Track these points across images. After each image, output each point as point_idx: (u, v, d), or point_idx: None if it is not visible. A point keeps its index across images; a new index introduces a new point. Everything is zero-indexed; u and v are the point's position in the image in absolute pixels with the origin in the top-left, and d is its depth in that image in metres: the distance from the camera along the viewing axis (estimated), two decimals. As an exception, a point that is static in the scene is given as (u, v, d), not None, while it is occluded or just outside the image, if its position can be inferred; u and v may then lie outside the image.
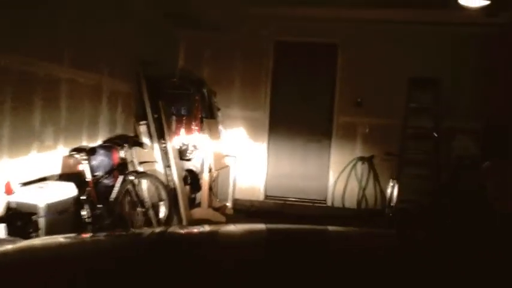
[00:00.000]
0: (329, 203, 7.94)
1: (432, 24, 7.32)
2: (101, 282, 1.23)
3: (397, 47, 7.63)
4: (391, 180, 7.43)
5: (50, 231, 3.76)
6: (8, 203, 3.68)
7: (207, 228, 1.89)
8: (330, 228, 2.05)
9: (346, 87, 7.84)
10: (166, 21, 7.13)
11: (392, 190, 7.39)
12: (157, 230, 1.94)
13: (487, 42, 7.34)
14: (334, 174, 7.94)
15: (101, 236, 1.99)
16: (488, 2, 5.00)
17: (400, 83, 7.49)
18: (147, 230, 2.04)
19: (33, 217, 3.68)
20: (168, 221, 6.05)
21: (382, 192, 7.73)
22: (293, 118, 8.02)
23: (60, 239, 1.82)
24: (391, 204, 7.40)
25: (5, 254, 1.50)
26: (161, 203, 6.00)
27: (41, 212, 3.69)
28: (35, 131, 4.38)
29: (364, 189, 7.84)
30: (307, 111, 7.98)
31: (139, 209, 5.67)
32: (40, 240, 1.89)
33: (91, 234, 1.97)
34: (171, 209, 6.07)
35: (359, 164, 7.84)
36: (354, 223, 6.72)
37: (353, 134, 7.84)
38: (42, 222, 3.69)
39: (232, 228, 2.02)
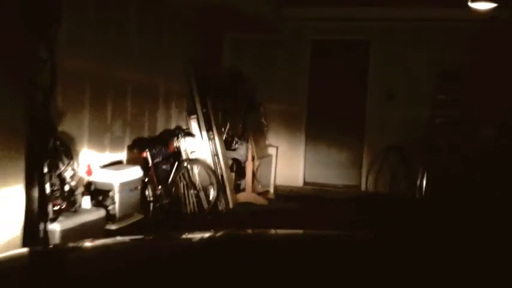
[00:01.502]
0: (363, 188, 8.60)
1: (458, 21, 7.81)
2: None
3: (425, 42, 8.18)
4: (421, 167, 8.02)
5: (122, 205, 4.65)
6: (90, 182, 4.59)
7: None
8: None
9: (378, 81, 8.46)
10: (212, 24, 7.91)
11: (422, 176, 7.99)
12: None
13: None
14: (368, 161, 8.58)
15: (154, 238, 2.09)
16: (496, 4, 5.50)
17: (428, 76, 8.06)
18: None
19: (110, 193, 4.58)
20: (216, 202, 6.91)
21: (413, 178, 8.31)
22: (328, 111, 8.70)
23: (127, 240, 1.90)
24: (422, 190, 8.00)
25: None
26: (210, 186, 6.86)
27: (116, 189, 4.59)
28: (108, 125, 5.30)
29: (396, 175, 8.45)
30: (341, 104, 8.64)
31: (192, 191, 6.56)
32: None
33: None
34: (219, 191, 6.93)
35: (390, 152, 8.45)
36: (384, 206, 7.40)
37: (385, 124, 8.44)
38: (116, 197, 4.59)
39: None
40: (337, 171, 8.76)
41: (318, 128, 8.77)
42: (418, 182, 8.06)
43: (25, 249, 2.08)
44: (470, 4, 5.60)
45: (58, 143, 4.02)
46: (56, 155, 3.96)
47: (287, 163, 8.77)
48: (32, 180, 3.41)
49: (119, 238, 2.01)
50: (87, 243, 1.91)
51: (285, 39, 8.69)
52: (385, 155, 8.46)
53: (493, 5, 5.57)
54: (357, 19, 8.17)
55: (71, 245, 1.98)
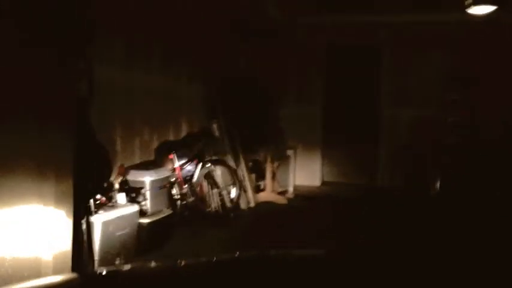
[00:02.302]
0: (378, 187, 8.95)
1: (466, 23, 8.15)
2: None
3: (435, 46, 8.52)
4: (434, 166, 8.35)
5: (153, 201, 5.12)
6: (124, 180, 5.07)
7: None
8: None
9: (390, 83, 8.82)
10: (232, 31, 8.37)
11: (435, 174, 8.32)
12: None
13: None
14: (382, 160, 8.93)
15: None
16: (495, 7, 5.82)
17: (438, 78, 8.41)
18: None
19: (142, 190, 5.06)
20: (238, 201, 7.35)
21: (426, 177, 8.62)
22: (344, 112, 9.09)
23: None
24: (435, 187, 8.33)
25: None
26: (232, 186, 7.30)
27: (147, 187, 5.07)
28: (137, 129, 5.79)
29: (410, 173, 8.78)
30: (356, 106, 9.03)
31: (215, 190, 7.01)
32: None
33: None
34: (241, 191, 7.36)
35: (404, 151, 8.79)
36: (399, 204, 7.73)
37: (397, 124, 8.80)
38: (148, 194, 5.07)
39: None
40: (353, 171, 9.13)
41: (334, 129, 9.17)
42: (431, 181, 8.39)
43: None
44: (468, 11, 5.93)
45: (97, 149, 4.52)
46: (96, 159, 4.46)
47: (305, 163, 9.17)
48: (77, 180, 3.87)
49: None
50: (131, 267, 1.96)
51: (303, 45, 9.11)
52: (399, 154, 8.80)
53: (491, 9, 5.88)
54: (369, 25, 8.57)
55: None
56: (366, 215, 7.22)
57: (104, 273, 1.87)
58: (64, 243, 3.67)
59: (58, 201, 3.60)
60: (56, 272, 3.59)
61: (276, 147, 8.51)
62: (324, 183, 9.34)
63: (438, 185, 8.30)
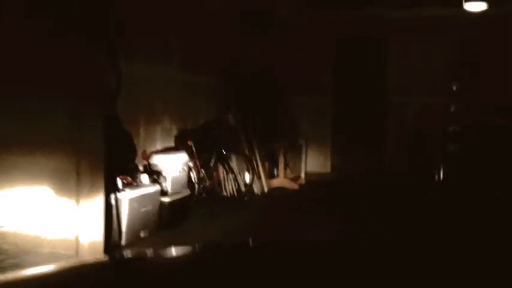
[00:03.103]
0: (385, 172, 9.39)
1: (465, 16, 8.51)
2: None
3: (441, 36, 8.91)
4: (439, 152, 8.77)
5: (173, 182, 5.68)
6: (147, 164, 5.64)
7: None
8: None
9: (396, 73, 9.25)
10: (246, 27, 8.83)
11: (440, 160, 8.74)
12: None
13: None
14: (390, 146, 9.38)
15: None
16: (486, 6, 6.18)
17: (442, 67, 8.80)
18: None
19: (163, 172, 5.62)
20: (251, 185, 7.87)
21: (431, 159, 9.01)
22: (353, 102, 9.54)
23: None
24: (440, 173, 8.76)
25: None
26: (246, 172, 7.83)
27: (167, 169, 5.63)
28: (158, 119, 6.36)
29: (416, 159, 9.20)
30: (365, 96, 9.47)
31: (230, 176, 7.55)
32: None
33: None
34: (254, 176, 7.89)
35: (411, 138, 9.21)
36: (405, 188, 8.15)
37: (404, 112, 9.22)
38: (168, 176, 5.63)
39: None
40: (362, 156, 9.58)
41: (343, 118, 9.62)
42: (436, 167, 8.80)
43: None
44: (465, 6, 6.32)
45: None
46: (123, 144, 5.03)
47: (316, 151, 9.66)
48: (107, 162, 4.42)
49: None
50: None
51: (312, 38, 9.54)
52: (406, 141, 9.22)
53: (483, 6, 6.26)
54: (376, 18, 8.99)
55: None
56: (371, 200, 7.61)
57: (131, 256, 2.09)
58: (97, 218, 4.22)
59: (92, 180, 4.16)
60: (90, 244, 4.12)
61: (288, 139, 9.02)
62: (333, 169, 9.81)
63: (442, 171, 8.71)
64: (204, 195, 6.78)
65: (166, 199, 5.50)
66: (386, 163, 9.41)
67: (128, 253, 2.99)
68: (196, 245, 2.39)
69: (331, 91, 9.64)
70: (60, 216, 4.13)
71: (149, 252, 2.36)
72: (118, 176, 4.86)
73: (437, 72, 8.95)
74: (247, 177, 7.84)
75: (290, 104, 9.43)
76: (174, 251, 2.02)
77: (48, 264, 1.98)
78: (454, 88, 8.75)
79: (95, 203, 4.22)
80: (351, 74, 9.55)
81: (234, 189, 7.59)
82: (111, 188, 4.68)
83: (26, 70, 3.71)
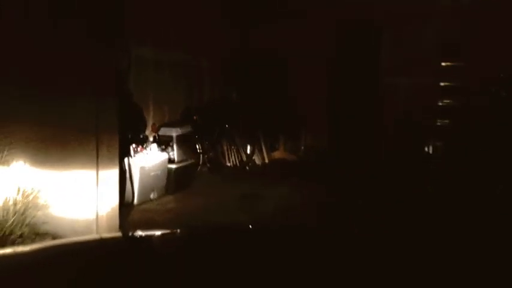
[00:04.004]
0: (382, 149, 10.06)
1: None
2: None
3: (430, 17, 9.46)
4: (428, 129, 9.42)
5: (179, 151, 6.47)
6: (156, 135, 6.44)
7: None
8: None
9: (389, 55, 9.86)
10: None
11: (430, 137, 9.41)
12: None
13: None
14: (384, 124, 10.05)
15: None
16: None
17: (433, 47, 9.39)
18: None
19: (170, 143, 6.41)
20: (252, 156, 8.63)
21: (422, 139, 9.63)
22: (347, 85, 10.15)
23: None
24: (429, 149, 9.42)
25: None
26: (248, 144, 8.59)
27: (174, 140, 6.42)
28: (167, 96, 7.14)
29: (408, 136, 9.85)
30: (357, 78, 10.07)
31: (233, 147, 8.33)
32: None
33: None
34: (255, 148, 8.64)
35: (402, 115, 9.86)
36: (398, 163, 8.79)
37: (397, 91, 9.83)
38: (175, 145, 6.42)
39: None
40: (357, 137, 10.23)
41: (338, 99, 10.22)
42: (427, 145, 9.45)
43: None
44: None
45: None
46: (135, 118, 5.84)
47: (315, 128, 10.30)
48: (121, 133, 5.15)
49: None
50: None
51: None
52: (399, 119, 9.84)
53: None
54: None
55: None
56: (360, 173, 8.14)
57: (143, 235, 2.16)
58: (113, 184, 4.90)
59: (108, 154, 4.83)
60: (108, 207, 4.78)
61: (288, 115, 9.70)
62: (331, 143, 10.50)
63: (432, 149, 9.36)
64: (208, 164, 7.57)
65: (173, 166, 6.31)
66: (382, 142, 9.93)
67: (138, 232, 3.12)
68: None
69: (326, 75, 10.16)
70: (84, 184, 4.78)
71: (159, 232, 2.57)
72: (131, 145, 5.66)
73: (429, 51, 9.49)
74: (249, 148, 8.59)
75: (292, 82, 10.04)
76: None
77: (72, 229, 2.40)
78: (444, 66, 9.31)
79: (111, 172, 4.87)
80: (347, 56, 10.12)
81: (237, 160, 8.36)
82: (125, 156, 5.49)
83: (55, 67, 4.37)
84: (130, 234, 2.87)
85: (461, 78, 9.33)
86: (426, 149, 9.45)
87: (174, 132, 6.48)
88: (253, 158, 8.71)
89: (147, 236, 2.20)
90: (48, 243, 3.89)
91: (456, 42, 9.21)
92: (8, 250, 2.54)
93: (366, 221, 4.96)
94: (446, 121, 9.46)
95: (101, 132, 4.63)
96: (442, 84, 9.44)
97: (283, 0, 9.39)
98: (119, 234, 4.42)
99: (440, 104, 9.56)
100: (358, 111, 10.22)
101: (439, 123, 9.54)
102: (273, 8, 9.36)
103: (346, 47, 10.11)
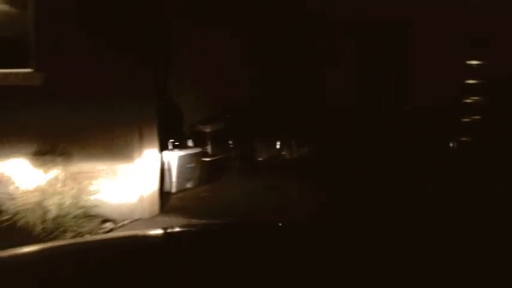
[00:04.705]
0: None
1: None
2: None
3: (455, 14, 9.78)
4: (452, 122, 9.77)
5: (212, 146, 7.13)
6: (192, 130, 7.12)
7: None
8: None
9: (417, 51, 10.23)
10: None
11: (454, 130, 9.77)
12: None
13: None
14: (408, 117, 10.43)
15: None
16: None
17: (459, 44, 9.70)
18: None
19: (205, 138, 7.08)
20: (282, 152, 9.21)
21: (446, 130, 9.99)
22: (374, 79, 10.60)
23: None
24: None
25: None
26: (278, 141, 9.17)
27: (208, 135, 7.09)
28: (202, 96, 7.79)
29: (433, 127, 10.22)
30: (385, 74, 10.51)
31: (264, 143, 8.93)
32: None
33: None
34: (284, 144, 9.23)
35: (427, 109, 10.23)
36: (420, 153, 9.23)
37: (423, 87, 10.20)
38: (209, 140, 7.08)
39: None
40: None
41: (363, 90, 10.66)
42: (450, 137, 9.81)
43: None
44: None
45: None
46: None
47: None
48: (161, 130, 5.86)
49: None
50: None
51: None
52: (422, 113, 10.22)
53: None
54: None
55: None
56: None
57: (181, 230, 2.17)
58: (154, 173, 5.63)
59: (150, 147, 5.55)
60: (149, 192, 5.51)
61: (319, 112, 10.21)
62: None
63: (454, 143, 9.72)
64: (239, 158, 8.20)
65: (207, 159, 6.97)
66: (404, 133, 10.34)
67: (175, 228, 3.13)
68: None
69: (354, 70, 10.63)
70: (129, 173, 5.51)
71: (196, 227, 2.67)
72: (170, 140, 6.36)
73: (455, 48, 9.78)
74: (278, 144, 9.18)
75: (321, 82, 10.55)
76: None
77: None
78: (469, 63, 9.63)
79: (152, 163, 5.60)
80: (374, 54, 10.56)
81: (267, 155, 8.96)
82: (165, 150, 6.18)
83: (112, 79, 5.21)
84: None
85: (488, 76, 9.64)
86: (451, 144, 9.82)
87: (208, 129, 7.14)
88: (283, 153, 9.30)
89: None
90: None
91: (484, 39, 9.48)
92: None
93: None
94: (472, 118, 9.80)
95: (143, 129, 5.39)
96: (469, 82, 9.80)
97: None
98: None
99: (466, 101, 9.91)
100: (384, 112, 10.67)
101: (466, 120, 9.90)
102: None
103: (373, 44, 10.58)
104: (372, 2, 9.76)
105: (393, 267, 1.35)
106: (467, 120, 9.99)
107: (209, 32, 7.53)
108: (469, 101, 9.97)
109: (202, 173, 6.83)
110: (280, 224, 1.85)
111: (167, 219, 5.29)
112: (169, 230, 2.13)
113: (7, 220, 4.83)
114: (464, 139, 9.76)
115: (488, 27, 9.36)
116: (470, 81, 9.91)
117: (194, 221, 4.99)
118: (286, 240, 1.61)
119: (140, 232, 2.65)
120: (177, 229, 2.37)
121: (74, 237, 4.66)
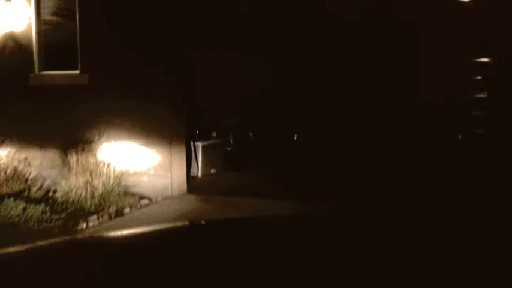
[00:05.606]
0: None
1: None
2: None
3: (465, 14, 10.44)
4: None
5: (234, 138, 8.04)
6: (216, 124, 8.04)
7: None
8: None
9: (425, 49, 10.92)
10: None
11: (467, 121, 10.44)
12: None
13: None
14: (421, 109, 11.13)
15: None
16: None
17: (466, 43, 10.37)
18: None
19: (227, 130, 7.99)
20: (298, 144, 10.06)
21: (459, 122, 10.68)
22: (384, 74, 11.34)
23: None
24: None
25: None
26: (295, 134, 10.02)
27: (230, 128, 8.00)
28: (222, 94, 8.70)
29: (446, 119, 10.90)
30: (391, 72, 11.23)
31: (281, 135, 9.79)
32: None
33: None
34: (301, 137, 10.07)
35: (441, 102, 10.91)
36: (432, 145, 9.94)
37: (435, 82, 10.89)
38: (231, 133, 8.00)
39: None
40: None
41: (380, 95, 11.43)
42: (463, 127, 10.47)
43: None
44: None
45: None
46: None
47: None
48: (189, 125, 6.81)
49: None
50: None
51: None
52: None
53: None
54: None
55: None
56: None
57: (205, 223, 2.28)
58: (181, 160, 6.58)
59: (178, 142, 6.50)
60: (178, 177, 6.47)
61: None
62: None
63: (464, 136, 10.38)
64: (258, 149, 9.08)
65: (228, 148, 7.89)
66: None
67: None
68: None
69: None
70: (162, 158, 6.48)
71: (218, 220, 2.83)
72: (196, 131, 7.31)
73: (463, 48, 10.45)
74: (296, 138, 10.02)
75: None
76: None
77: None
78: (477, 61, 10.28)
79: (180, 150, 6.55)
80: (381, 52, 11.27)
81: (284, 147, 9.82)
82: (192, 140, 7.13)
83: (149, 85, 6.23)
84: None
85: (495, 73, 10.29)
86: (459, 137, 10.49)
87: (230, 121, 8.06)
88: (299, 146, 10.14)
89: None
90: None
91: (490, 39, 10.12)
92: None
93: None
94: (480, 112, 10.46)
95: (173, 122, 6.37)
96: (476, 78, 10.47)
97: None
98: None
99: (475, 96, 10.57)
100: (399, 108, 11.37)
101: (475, 113, 10.55)
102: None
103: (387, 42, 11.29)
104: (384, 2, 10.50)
105: (400, 263, 1.34)
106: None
107: (232, 36, 8.40)
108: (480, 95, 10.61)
109: (225, 160, 7.75)
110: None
111: (192, 197, 6.27)
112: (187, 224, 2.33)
113: (61, 197, 5.88)
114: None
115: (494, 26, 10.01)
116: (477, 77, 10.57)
117: (212, 198, 5.95)
118: (303, 235, 1.62)
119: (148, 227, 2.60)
120: (201, 222, 2.67)
121: (117, 210, 5.65)
